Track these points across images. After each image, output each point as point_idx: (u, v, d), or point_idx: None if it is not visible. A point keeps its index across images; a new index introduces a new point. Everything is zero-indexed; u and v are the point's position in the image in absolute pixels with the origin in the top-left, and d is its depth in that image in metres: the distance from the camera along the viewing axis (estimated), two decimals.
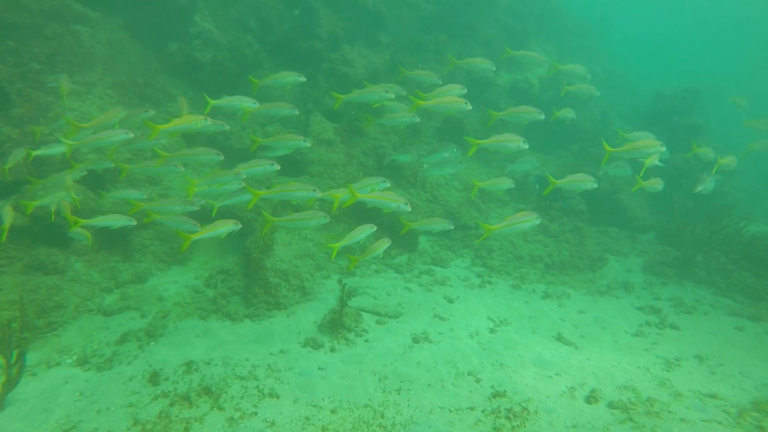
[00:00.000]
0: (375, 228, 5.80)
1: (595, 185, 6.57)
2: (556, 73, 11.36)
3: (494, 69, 8.97)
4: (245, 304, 6.72)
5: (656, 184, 7.95)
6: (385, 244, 5.84)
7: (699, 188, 9.32)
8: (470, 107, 6.66)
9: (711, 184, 9.37)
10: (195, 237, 5.27)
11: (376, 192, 6.06)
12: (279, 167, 6.21)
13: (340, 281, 6.12)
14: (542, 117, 7.09)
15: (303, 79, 7.16)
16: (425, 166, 7.82)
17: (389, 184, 6.36)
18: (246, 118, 6.76)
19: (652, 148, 8.15)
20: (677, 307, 7.14)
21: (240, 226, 5.62)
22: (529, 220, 6.00)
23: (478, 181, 6.69)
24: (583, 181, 6.70)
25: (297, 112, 6.81)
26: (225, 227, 5.50)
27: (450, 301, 6.95)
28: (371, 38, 13.20)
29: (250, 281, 6.94)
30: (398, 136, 10.19)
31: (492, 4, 13.86)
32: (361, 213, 8.52)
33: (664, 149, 7.40)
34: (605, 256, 8.58)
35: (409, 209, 5.81)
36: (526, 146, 6.50)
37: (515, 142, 6.39)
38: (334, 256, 6.12)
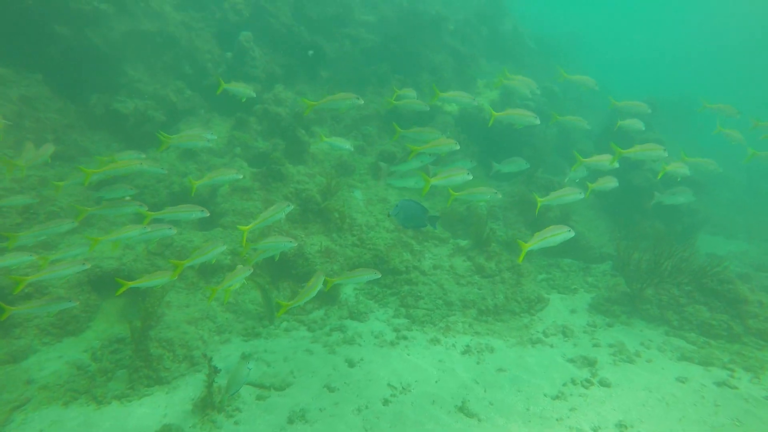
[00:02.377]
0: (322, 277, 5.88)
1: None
2: (508, 95, 10.58)
3: (427, 109, 8.51)
4: (128, 380, 5.98)
5: (608, 182, 7.30)
6: (318, 283, 5.76)
7: (659, 199, 8.51)
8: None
9: (682, 197, 8.48)
10: None
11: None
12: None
13: (204, 354, 5.36)
14: (538, 122, 7.26)
15: (210, 144, 7.06)
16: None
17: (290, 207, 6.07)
18: None
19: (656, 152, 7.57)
20: (617, 356, 6.19)
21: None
22: (560, 233, 5.85)
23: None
24: (482, 192, 6.86)
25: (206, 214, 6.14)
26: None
27: (351, 365, 6.11)
28: (312, 73, 12.75)
29: (133, 353, 6.22)
30: (324, 177, 9.55)
31: (438, 29, 13.37)
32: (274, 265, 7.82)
33: (666, 154, 7.21)
34: (545, 297, 7.67)
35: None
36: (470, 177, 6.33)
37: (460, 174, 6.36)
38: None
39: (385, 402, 5.34)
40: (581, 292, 8.18)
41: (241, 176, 6.51)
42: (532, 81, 9.28)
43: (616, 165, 7.67)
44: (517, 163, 8.54)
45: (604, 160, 7.73)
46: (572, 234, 5.96)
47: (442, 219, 9.57)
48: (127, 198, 7.00)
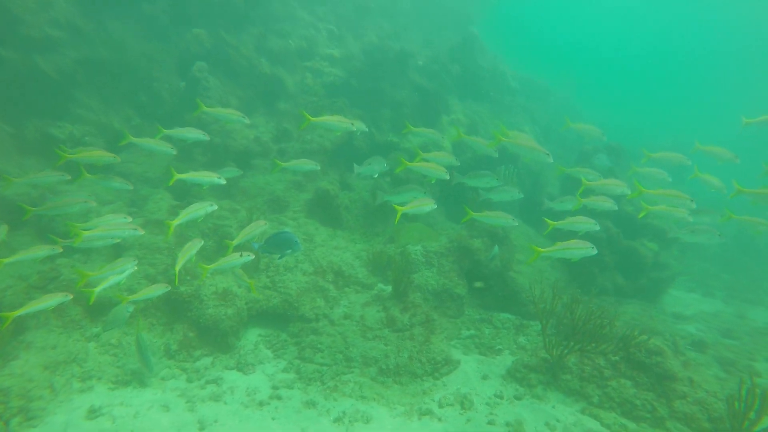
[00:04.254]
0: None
1: None
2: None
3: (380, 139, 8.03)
4: None
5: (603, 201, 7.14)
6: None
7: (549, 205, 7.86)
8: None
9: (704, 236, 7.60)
10: None
11: None
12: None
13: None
14: (551, 160, 7.06)
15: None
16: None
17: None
18: None
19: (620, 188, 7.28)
20: None
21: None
22: (583, 248, 5.98)
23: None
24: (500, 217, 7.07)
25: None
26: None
27: (201, 427, 5.36)
28: (271, 106, 12.47)
29: None
30: (247, 211, 9.02)
31: (403, 65, 13.02)
32: None
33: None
34: (454, 359, 6.80)
35: None
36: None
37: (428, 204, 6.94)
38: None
39: None
40: (505, 354, 7.26)
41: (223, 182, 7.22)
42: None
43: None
44: (510, 192, 7.98)
45: (610, 184, 7.35)
46: (594, 251, 6.10)
47: (371, 263, 8.86)
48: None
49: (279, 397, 5.96)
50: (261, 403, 5.82)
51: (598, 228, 7.04)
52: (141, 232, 6.26)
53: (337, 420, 5.54)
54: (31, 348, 6.44)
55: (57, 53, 11.14)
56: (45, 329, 6.80)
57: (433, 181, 7.84)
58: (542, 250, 5.94)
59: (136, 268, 6.13)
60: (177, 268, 5.75)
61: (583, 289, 9.35)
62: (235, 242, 6.32)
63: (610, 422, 5.57)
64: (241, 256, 6.02)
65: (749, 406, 5.01)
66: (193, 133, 8.08)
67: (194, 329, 7.15)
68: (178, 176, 6.97)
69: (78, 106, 10.88)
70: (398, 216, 6.77)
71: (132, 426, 5.41)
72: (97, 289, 5.59)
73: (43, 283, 7.26)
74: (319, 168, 8.13)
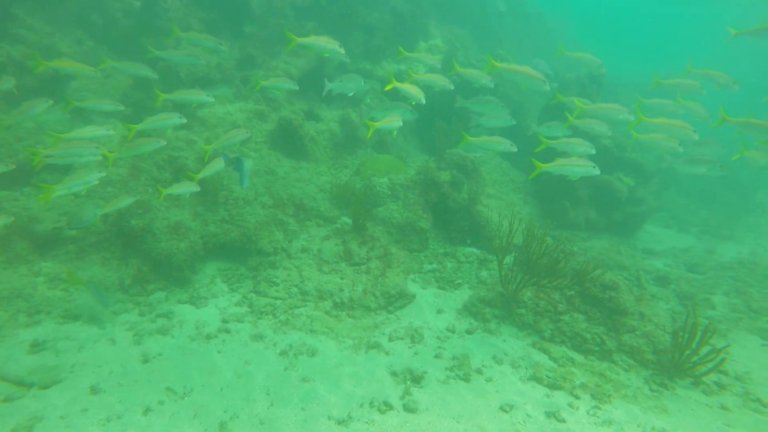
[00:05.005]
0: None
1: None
2: (449, 60, 9.40)
3: (348, 60, 7.50)
4: None
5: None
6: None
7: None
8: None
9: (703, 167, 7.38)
10: None
11: None
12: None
13: None
14: (548, 88, 6.91)
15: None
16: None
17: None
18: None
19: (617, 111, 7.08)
20: (453, 371, 5.24)
21: None
22: (584, 165, 6.14)
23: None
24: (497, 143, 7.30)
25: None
26: None
27: (145, 360, 5.31)
28: (237, 30, 11.62)
29: None
30: (205, 142, 8.60)
31: None
32: None
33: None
34: (409, 292, 6.70)
35: None
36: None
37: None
38: None
39: (146, 411, 4.53)
40: (464, 288, 7.18)
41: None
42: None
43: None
44: (503, 118, 7.91)
45: (612, 108, 7.18)
46: (597, 171, 6.22)
47: (336, 196, 8.58)
48: None
49: (227, 331, 5.89)
50: (208, 337, 5.75)
51: (594, 152, 6.84)
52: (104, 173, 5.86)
53: (283, 353, 5.49)
54: None
55: None
56: None
57: (413, 103, 7.52)
58: (544, 165, 6.11)
59: (105, 174, 5.83)
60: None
61: (555, 223, 9.17)
62: (212, 146, 6.38)
63: (558, 356, 5.55)
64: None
65: (692, 338, 4.96)
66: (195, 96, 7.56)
67: (148, 263, 6.97)
68: (164, 96, 6.71)
69: (18, 25, 10.05)
70: (371, 131, 6.80)
71: (75, 360, 5.34)
72: (57, 189, 5.40)
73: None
74: (297, 88, 7.89)
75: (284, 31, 7.24)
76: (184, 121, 6.60)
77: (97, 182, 5.83)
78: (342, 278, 6.83)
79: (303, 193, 8.40)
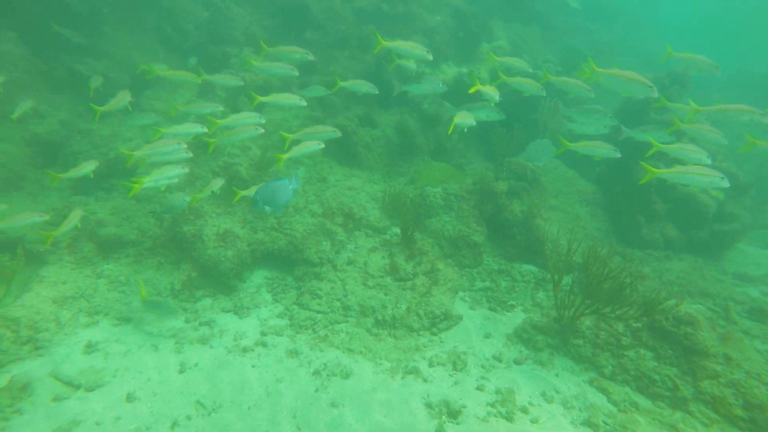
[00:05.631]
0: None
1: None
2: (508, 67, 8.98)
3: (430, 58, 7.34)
4: None
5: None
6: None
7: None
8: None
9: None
10: None
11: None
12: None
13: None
14: (656, 95, 6.16)
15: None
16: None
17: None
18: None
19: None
20: (495, 407, 4.76)
21: None
22: (709, 174, 5.27)
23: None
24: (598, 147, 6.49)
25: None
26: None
27: (181, 370, 5.35)
28: (299, 37, 11.73)
29: None
30: (260, 149, 8.67)
31: None
32: None
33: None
34: (455, 313, 6.25)
35: None
36: None
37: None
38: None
39: (174, 425, 4.52)
40: (517, 310, 6.61)
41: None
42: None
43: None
44: (602, 120, 7.42)
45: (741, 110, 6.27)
46: (725, 183, 5.34)
47: (388, 205, 8.31)
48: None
49: (264, 344, 5.80)
50: (245, 349, 5.70)
51: (710, 161, 5.98)
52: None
53: (316, 373, 5.30)
54: (43, 282, 6.70)
55: None
56: (58, 264, 7.03)
57: (492, 104, 7.30)
58: (658, 171, 5.44)
59: (187, 170, 6.16)
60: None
61: (626, 241, 8.29)
62: (294, 136, 6.65)
63: (619, 398, 4.88)
64: None
65: None
66: (231, 80, 8.10)
67: (197, 269, 7.12)
68: (261, 99, 6.93)
69: (105, 41, 10.80)
70: (451, 127, 6.82)
71: (119, 364, 5.50)
72: (145, 182, 5.69)
73: (57, 220, 7.45)
74: (377, 92, 7.88)
75: (374, 33, 7.11)
76: (263, 121, 6.82)
77: (177, 180, 6.20)
78: (386, 294, 6.54)
79: (353, 201, 8.22)
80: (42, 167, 8.86)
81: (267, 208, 4.74)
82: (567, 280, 7.03)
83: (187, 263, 7.24)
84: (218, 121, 6.57)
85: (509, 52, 10.77)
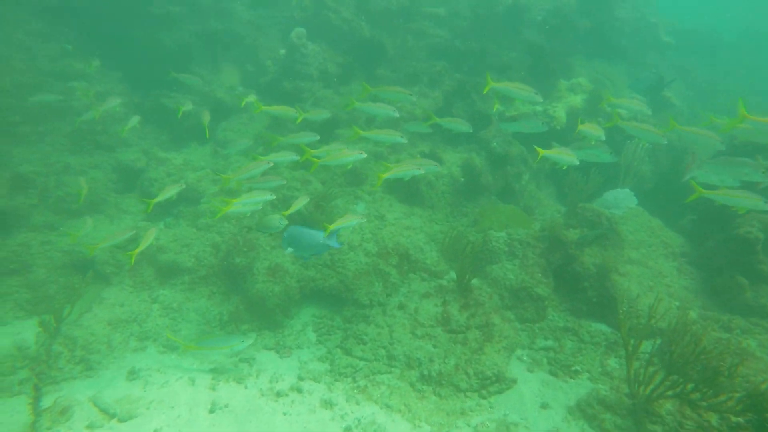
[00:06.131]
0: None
1: None
2: (594, 101, 8.43)
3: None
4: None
5: None
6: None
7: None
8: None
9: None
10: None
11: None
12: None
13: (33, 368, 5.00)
14: (723, 147, 5.91)
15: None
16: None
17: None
18: None
19: None
20: None
21: None
22: (755, 198, 4.95)
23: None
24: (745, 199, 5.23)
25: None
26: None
27: (211, 410, 5.16)
28: (370, 74, 11.83)
29: (41, 346, 6.25)
30: (320, 183, 8.63)
31: (517, 21, 11.21)
32: None
33: None
34: (508, 376, 5.57)
35: None
36: None
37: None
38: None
39: None
40: (583, 378, 5.79)
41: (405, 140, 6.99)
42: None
43: None
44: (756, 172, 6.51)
45: None
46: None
47: (448, 248, 7.85)
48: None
49: (300, 390, 5.50)
50: (278, 394, 5.43)
51: None
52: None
53: (347, 430, 4.88)
54: (103, 303, 6.95)
55: (176, 27, 11.90)
56: (119, 287, 7.30)
57: (592, 142, 6.90)
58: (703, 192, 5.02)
59: (274, 197, 6.25)
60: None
61: (722, 305, 7.15)
62: (390, 173, 6.25)
63: None
64: None
65: None
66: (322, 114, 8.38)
67: (245, 302, 7.05)
68: (362, 134, 6.92)
69: (196, 74, 11.54)
70: (539, 157, 6.41)
71: (155, 396, 5.44)
72: (235, 205, 5.76)
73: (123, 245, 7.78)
74: (470, 130, 7.66)
75: (486, 77, 6.84)
76: (317, 137, 7.18)
77: (260, 206, 6.26)
78: (435, 346, 6.02)
79: (410, 242, 7.85)
80: (122, 192, 9.45)
81: (290, 250, 4.51)
82: (646, 345, 6.10)
83: (237, 295, 7.22)
84: (319, 150, 6.89)
85: (590, 90, 10.06)
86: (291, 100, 11.04)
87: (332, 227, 5.18)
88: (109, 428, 4.92)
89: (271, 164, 6.52)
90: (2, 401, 5.56)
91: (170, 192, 6.76)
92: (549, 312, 6.93)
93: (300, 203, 6.46)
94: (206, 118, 8.77)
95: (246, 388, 5.56)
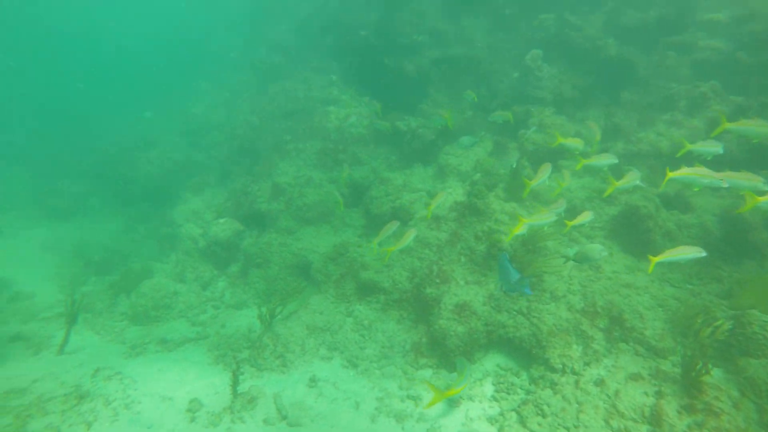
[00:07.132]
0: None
1: None
2: None
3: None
4: (248, 358, 7.10)
5: None
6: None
7: None
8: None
9: None
10: None
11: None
12: None
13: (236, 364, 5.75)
14: None
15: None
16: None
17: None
18: None
19: None
20: None
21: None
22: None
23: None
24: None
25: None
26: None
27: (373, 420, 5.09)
28: (613, 96, 10.26)
29: (257, 336, 7.36)
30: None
31: None
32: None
33: None
34: None
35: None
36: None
37: None
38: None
39: None
40: None
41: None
42: None
43: None
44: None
45: None
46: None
47: (681, 320, 6.10)
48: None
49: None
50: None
51: None
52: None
53: None
54: (307, 308, 7.73)
55: (419, 55, 12.64)
56: (324, 296, 8.00)
57: None
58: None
59: (564, 208, 6.56)
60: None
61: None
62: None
63: None
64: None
65: None
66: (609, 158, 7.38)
67: (428, 336, 6.85)
68: (672, 175, 5.69)
69: (427, 101, 12.08)
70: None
71: (321, 410, 5.69)
72: (527, 221, 6.04)
73: (335, 256, 8.51)
74: (641, 185, 6.69)
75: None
76: (616, 161, 7.05)
77: (553, 219, 6.27)
78: None
79: (628, 303, 6.38)
80: (350, 206, 10.44)
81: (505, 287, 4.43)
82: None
83: (423, 326, 7.07)
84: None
85: None
86: (515, 126, 10.42)
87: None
88: (278, 429, 5.33)
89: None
90: (222, 375, 6.65)
91: (405, 242, 6.64)
92: None
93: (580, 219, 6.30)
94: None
95: (402, 429, 5.31)
